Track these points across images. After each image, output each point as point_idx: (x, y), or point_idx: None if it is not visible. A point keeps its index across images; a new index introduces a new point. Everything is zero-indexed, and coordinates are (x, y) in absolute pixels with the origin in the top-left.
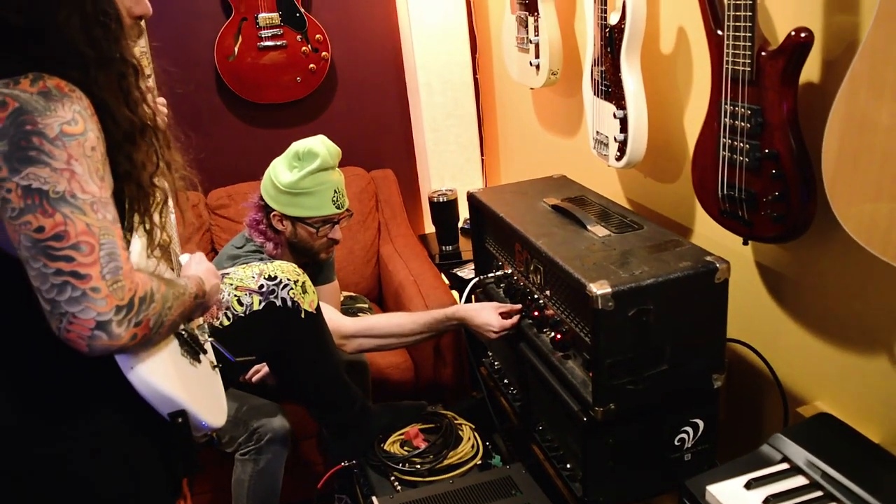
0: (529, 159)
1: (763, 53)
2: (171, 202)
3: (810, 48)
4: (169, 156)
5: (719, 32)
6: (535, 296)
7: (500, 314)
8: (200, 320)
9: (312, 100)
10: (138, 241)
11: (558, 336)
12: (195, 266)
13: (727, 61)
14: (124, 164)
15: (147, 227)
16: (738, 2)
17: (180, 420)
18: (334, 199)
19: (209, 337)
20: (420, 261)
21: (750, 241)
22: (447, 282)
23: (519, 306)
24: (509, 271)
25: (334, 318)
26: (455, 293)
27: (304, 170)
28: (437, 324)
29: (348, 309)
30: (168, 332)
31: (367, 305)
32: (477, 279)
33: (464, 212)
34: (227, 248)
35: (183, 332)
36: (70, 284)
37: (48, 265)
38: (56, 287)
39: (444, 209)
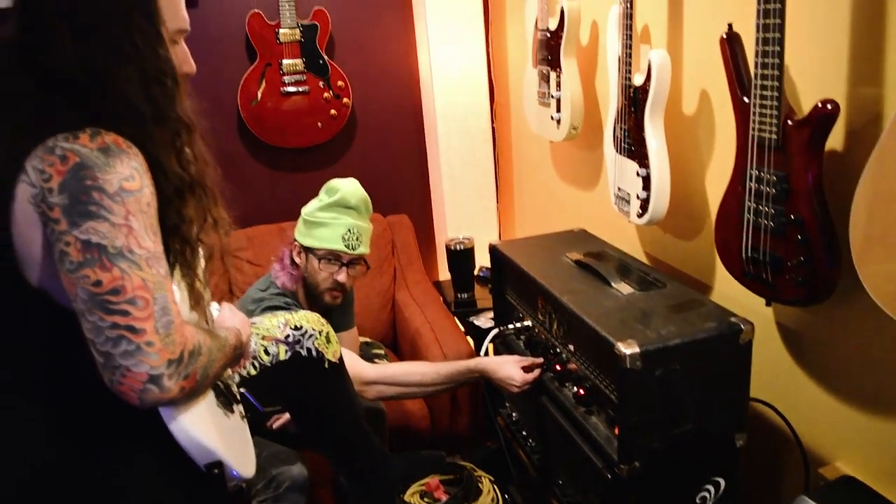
0: (545, 210)
1: (789, 122)
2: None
3: (836, 119)
4: (217, 213)
5: (746, 100)
6: (558, 349)
7: (522, 368)
8: (229, 370)
9: (333, 144)
10: (179, 294)
11: (581, 391)
12: (230, 317)
13: (753, 128)
14: (173, 219)
15: (189, 280)
16: (765, 72)
17: (216, 471)
18: (346, 237)
19: (239, 387)
20: (436, 308)
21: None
22: (462, 329)
23: (541, 360)
24: (530, 323)
25: (356, 365)
26: (471, 341)
27: (324, 201)
28: (458, 375)
29: (364, 355)
30: (211, 383)
31: (382, 352)
32: (497, 330)
33: (480, 260)
34: (252, 290)
35: (219, 384)
36: (125, 338)
37: (104, 318)
38: (111, 340)
39: (460, 257)
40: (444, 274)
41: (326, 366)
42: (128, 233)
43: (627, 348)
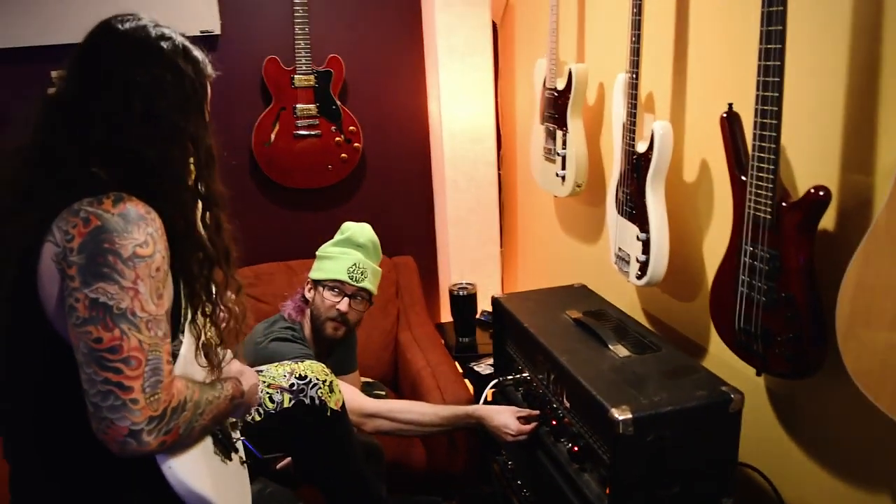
0: (548, 261)
1: (784, 204)
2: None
3: (827, 205)
4: (239, 280)
5: (743, 178)
6: (554, 405)
7: (519, 419)
8: (234, 418)
9: (342, 187)
10: (190, 338)
11: (576, 448)
12: (239, 369)
13: (749, 206)
14: (200, 284)
15: (205, 335)
16: (762, 154)
17: None
18: (350, 269)
19: (240, 434)
20: (438, 351)
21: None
22: (462, 374)
23: (537, 412)
24: (528, 376)
25: (356, 397)
26: (470, 386)
27: (336, 239)
28: (456, 419)
29: (366, 395)
30: (200, 434)
31: (384, 392)
32: (497, 381)
33: (482, 304)
34: (261, 325)
35: (218, 433)
36: (113, 394)
37: (99, 373)
38: (101, 393)
39: (463, 302)
40: (446, 316)
41: (329, 414)
42: (134, 296)
43: (621, 414)
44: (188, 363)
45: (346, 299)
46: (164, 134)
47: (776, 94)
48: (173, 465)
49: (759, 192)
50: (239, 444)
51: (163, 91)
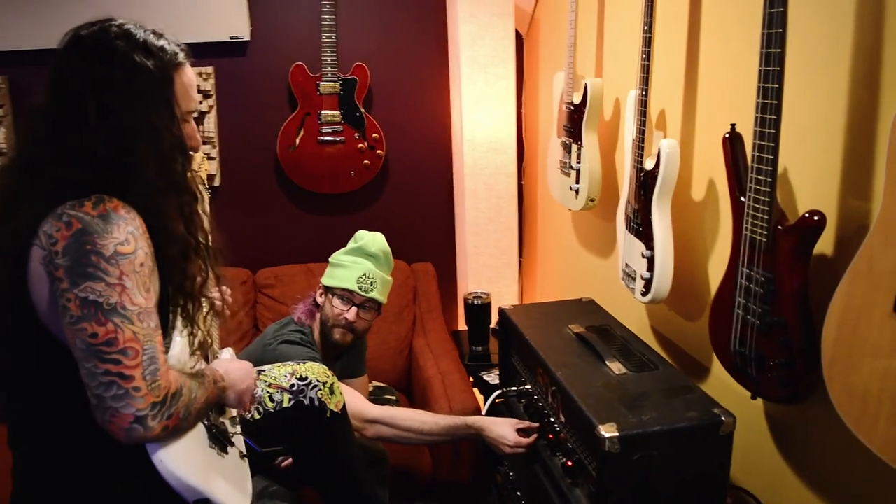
0: (564, 274)
1: (779, 227)
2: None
3: (822, 230)
4: (218, 270)
5: (742, 199)
6: (552, 419)
7: (518, 431)
8: (234, 412)
9: (364, 192)
10: (181, 339)
11: (569, 462)
12: (220, 361)
13: (746, 227)
14: (177, 276)
15: (192, 329)
16: (759, 176)
17: None
18: (360, 279)
19: (239, 429)
20: (450, 359)
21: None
22: (472, 383)
23: (536, 425)
24: (530, 388)
25: (359, 402)
26: (480, 396)
27: (348, 247)
28: (455, 429)
29: (376, 399)
30: (196, 419)
31: (394, 397)
32: (500, 391)
33: (497, 314)
34: (272, 327)
35: (213, 427)
36: (115, 384)
37: (98, 366)
38: (104, 385)
39: (477, 311)
40: (463, 324)
41: (328, 415)
42: (121, 291)
43: (607, 431)
44: (181, 364)
45: (354, 308)
46: (121, 130)
47: (774, 117)
48: (164, 459)
49: (756, 213)
50: (238, 439)
51: (113, 88)
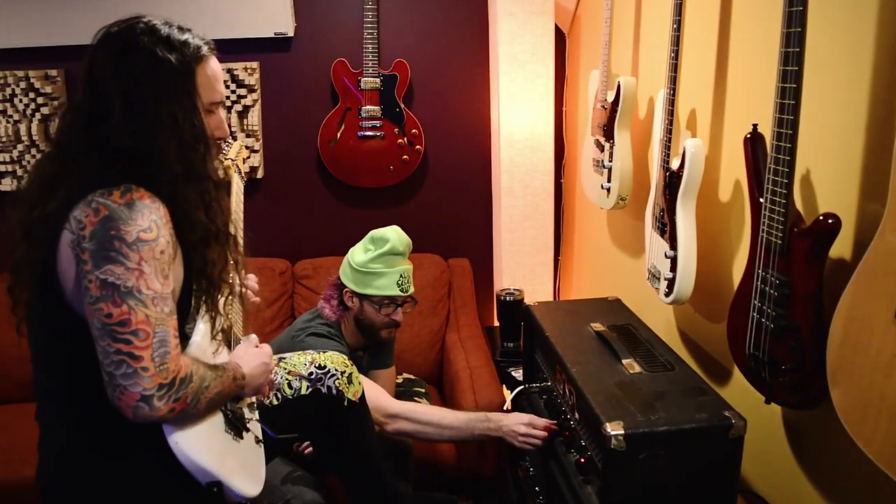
0: (597, 273)
1: (795, 229)
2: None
3: (836, 234)
4: (236, 256)
5: (760, 200)
6: (568, 416)
7: (533, 425)
8: (252, 399)
9: (402, 187)
10: (204, 325)
11: (582, 460)
12: (242, 352)
13: (763, 229)
14: (198, 262)
15: (213, 313)
16: (776, 177)
17: (215, 489)
18: (399, 282)
19: (257, 415)
20: (480, 354)
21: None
22: (499, 379)
23: (554, 422)
24: (550, 385)
25: (381, 397)
26: (507, 392)
27: (376, 252)
28: (474, 421)
29: (405, 391)
30: (207, 407)
31: (424, 390)
32: (522, 387)
33: None
34: (299, 320)
35: (229, 412)
36: (125, 362)
37: (111, 345)
38: (115, 363)
39: (509, 307)
40: (497, 320)
41: (345, 404)
42: (139, 276)
43: (613, 429)
44: (201, 350)
45: (399, 310)
46: (144, 122)
47: (791, 117)
48: (179, 441)
49: (773, 215)
50: (254, 425)
51: (137, 81)
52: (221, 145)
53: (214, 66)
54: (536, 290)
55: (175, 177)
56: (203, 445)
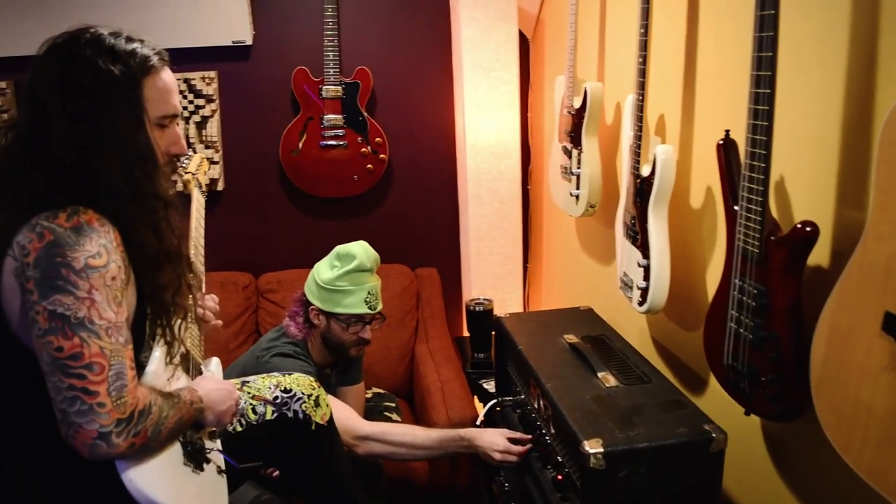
0: (567, 281)
1: (772, 238)
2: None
3: (815, 242)
4: (190, 279)
5: (735, 208)
6: (543, 431)
7: (509, 440)
8: (213, 427)
9: (367, 197)
10: (159, 350)
11: (559, 476)
12: (200, 379)
13: (739, 238)
14: (149, 286)
15: (168, 338)
16: (751, 185)
17: None
18: (367, 300)
19: (218, 444)
20: (451, 366)
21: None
22: (471, 392)
23: (529, 437)
24: (524, 398)
25: (351, 419)
26: (479, 405)
27: (342, 269)
28: (448, 441)
29: (375, 406)
30: (168, 438)
31: (394, 404)
32: (495, 401)
33: None
34: (264, 339)
35: (188, 444)
36: (80, 399)
37: (63, 380)
38: (68, 399)
39: (479, 318)
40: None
41: (313, 427)
42: (90, 305)
43: (592, 447)
44: (156, 377)
45: (367, 327)
46: (85, 137)
47: (766, 123)
48: (134, 478)
49: (749, 223)
50: (216, 455)
51: (77, 94)
52: (180, 160)
53: (166, 78)
54: (506, 300)
55: (121, 196)
56: (159, 481)
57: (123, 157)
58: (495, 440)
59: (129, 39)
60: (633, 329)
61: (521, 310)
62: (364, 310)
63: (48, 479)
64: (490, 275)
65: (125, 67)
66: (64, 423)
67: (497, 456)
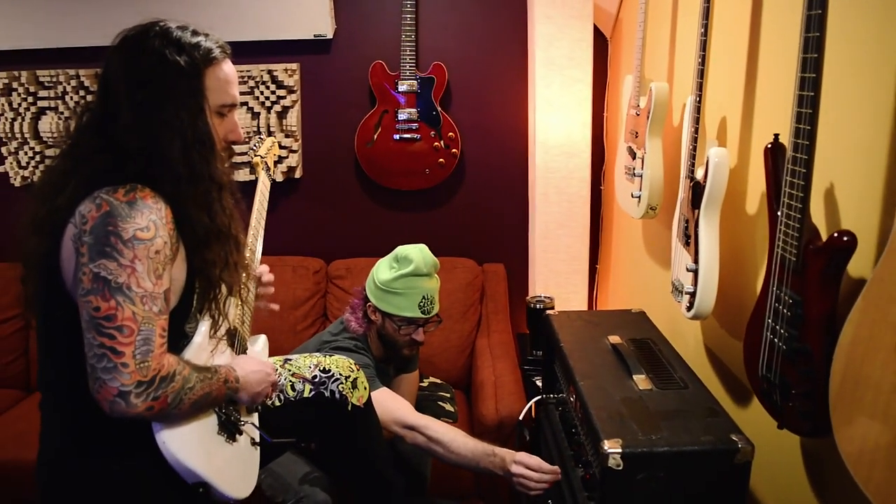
0: (630, 283)
1: (810, 247)
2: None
3: (852, 252)
4: (237, 257)
5: (778, 214)
6: (578, 429)
7: (541, 470)
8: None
9: (438, 190)
10: (205, 324)
11: (588, 476)
12: (243, 358)
13: (778, 245)
14: (198, 262)
15: (213, 313)
16: (791, 191)
17: (201, 490)
18: (421, 304)
19: (254, 418)
20: (507, 362)
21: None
22: (524, 388)
23: (558, 469)
24: (565, 396)
25: (401, 408)
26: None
27: (399, 272)
28: (483, 454)
29: (429, 395)
30: (192, 408)
31: (449, 395)
32: (539, 397)
33: None
34: (325, 332)
35: (223, 414)
36: (107, 356)
37: (96, 338)
38: (97, 356)
39: (537, 315)
40: None
41: (349, 408)
42: (131, 273)
43: (611, 447)
44: (200, 349)
45: (420, 329)
46: (149, 123)
47: (808, 127)
48: (167, 441)
49: (788, 230)
50: (250, 428)
51: (144, 83)
52: (238, 147)
53: (227, 70)
54: (570, 299)
55: (178, 177)
56: (191, 446)
57: (183, 142)
58: (527, 473)
59: (195, 33)
60: (689, 336)
61: (584, 309)
62: (416, 314)
63: (93, 430)
64: (555, 273)
65: (189, 58)
66: (91, 378)
67: (519, 488)
